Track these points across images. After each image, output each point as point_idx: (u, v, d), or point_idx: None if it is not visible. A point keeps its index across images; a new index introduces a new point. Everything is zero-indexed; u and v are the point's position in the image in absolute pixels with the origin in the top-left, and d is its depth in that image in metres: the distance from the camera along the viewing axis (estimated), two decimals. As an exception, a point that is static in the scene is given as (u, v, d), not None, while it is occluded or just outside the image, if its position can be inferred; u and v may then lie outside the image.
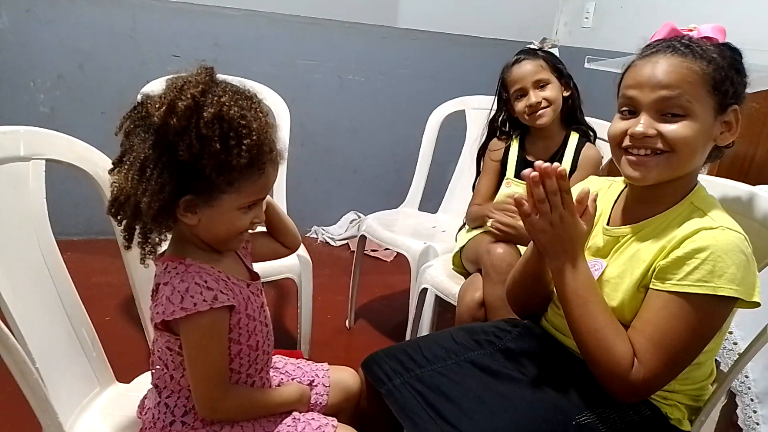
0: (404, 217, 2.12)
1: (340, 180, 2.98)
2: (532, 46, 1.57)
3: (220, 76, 0.79)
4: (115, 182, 0.76)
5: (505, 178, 1.61)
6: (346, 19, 2.71)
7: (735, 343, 1.22)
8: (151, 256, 0.81)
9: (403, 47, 2.85)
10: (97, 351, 1.03)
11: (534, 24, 3.00)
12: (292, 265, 1.62)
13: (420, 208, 2.20)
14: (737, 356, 1.17)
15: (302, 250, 1.69)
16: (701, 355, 0.87)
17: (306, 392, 0.93)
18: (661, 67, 0.84)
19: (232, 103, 0.73)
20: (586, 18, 2.87)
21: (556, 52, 1.58)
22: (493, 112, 1.66)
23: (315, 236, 2.93)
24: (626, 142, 0.87)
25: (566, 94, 1.56)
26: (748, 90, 0.89)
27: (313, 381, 1.00)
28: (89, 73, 2.44)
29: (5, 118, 2.33)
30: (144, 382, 1.08)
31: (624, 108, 0.89)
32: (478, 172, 1.72)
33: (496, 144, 1.65)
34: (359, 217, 2.99)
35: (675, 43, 0.86)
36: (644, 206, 0.92)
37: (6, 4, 2.26)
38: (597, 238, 0.97)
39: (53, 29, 2.34)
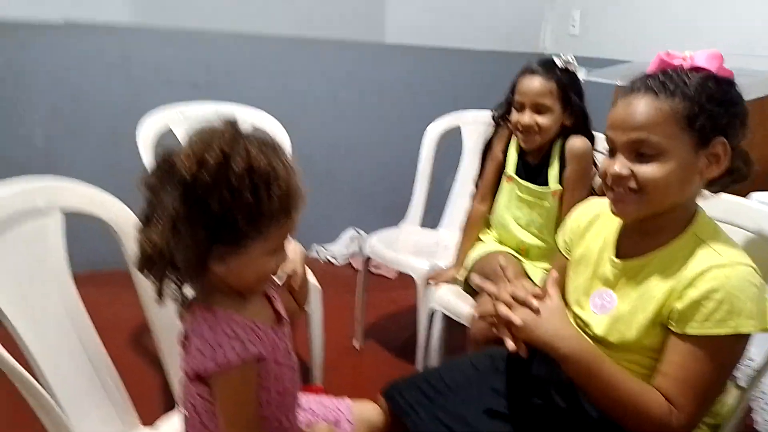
0: (406, 234, 2.14)
1: (339, 198, 2.99)
2: (556, 60, 1.50)
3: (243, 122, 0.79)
4: (143, 240, 0.76)
5: (505, 172, 1.62)
6: (335, 37, 2.73)
7: (751, 360, 1.25)
8: (186, 308, 0.82)
9: (393, 63, 2.88)
10: (121, 395, 1.04)
11: (520, 32, 3.04)
12: (302, 292, 1.63)
13: (421, 224, 2.22)
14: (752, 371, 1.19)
15: (311, 277, 1.70)
16: None
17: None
18: (633, 109, 0.86)
19: (259, 154, 0.74)
20: (573, 25, 2.91)
21: (582, 74, 1.53)
22: (498, 105, 1.65)
23: (317, 256, 2.94)
24: (608, 180, 0.90)
25: (567, 123, 1.52)
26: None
27: (337, 418, 1.01)
28: (83, 104, 2.43)
29: (2, 152, 2.32)
30: (166, 426, 1.08)
31: (608, 148, 0.92)
32: (482, 169, 1.71)
33: (502, 133, 1.65)
34: (359, 233, 3.00)
35: (651, 81, 0.87)
36: (647, 237, 0.93)
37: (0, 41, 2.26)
38: (605, 268, 0.98)
39: (46, 63, 2.34)
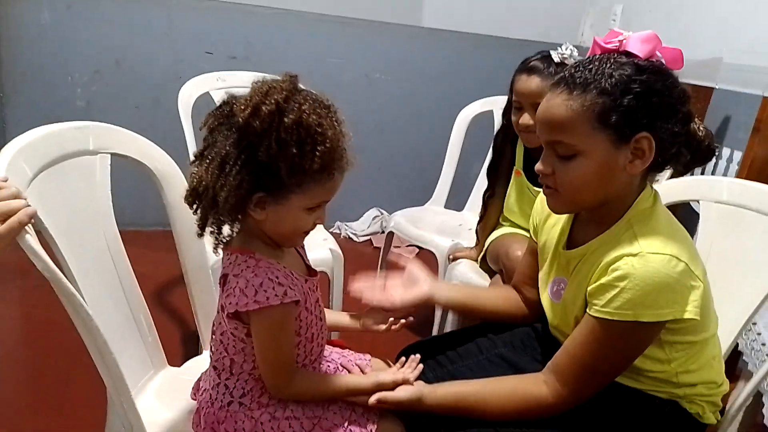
0: (431, 214, 2.17)
1: (364, 177, 2.99)
2: (553, 56, 1.43)
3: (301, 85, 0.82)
4: (194, 174, 0.80)
5: (514, 168, 1.61)
6: (374, 18, 2.75)
7: (763, 344, 1.25)
8: (221, 246, 0.86)
9: (429, 47, 2.89)
10: (152, 336, 1.09)
11: (560, 25, 3.02)
12: (326, 258, 1.68)
13: (445, 206, 2.25)
14: (766, 357, 1.20)
15: (334, 244, 1.75)
16: (703, 357, 0.91)
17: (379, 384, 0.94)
18: (548, 108, 0.84)
19: (311, 111, 0.78)
20: (613, 20, 2.88)
21: None
22: (507, 103, 1.60)
23: (338, 231, 2.99)
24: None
25: None
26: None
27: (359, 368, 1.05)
28: (125, 68, 2.51)
29: (45, 111, 2.41)
30: (194, 366, 1.14)
31: None
32: (493, 159, 1.69)
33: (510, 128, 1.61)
34: (382, 213, 3.04)
35: (568, 75, 0.84)
36: (590, 227, 0.93)
37: (48, 1, 2.33)
38: (560, 257, 0.99)
39: (92, 26, 2.41)
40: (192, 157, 0.82)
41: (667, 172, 1.64)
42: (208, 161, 0.78)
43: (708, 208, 1.18)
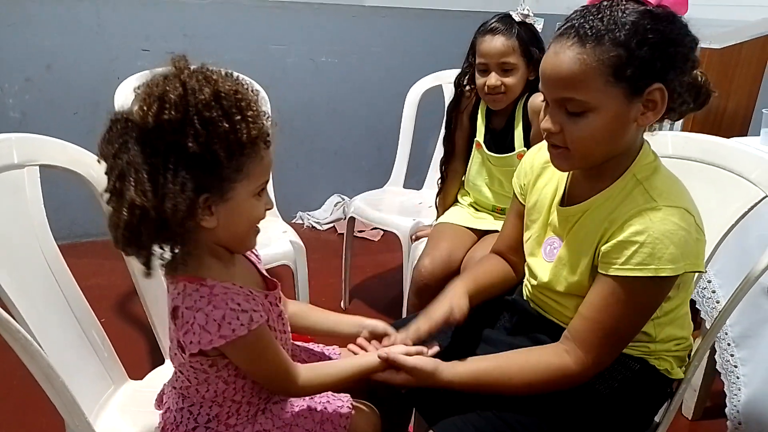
0: (390, 195, 2.15)
1: (321, 163, 2.98)
2: (514, 15, 1.44)
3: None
4: (121, 209, 0.68)
5: (475, 139, 1.60)
6: (314, 1, 2.69)
7: (713, 291, 1.28)
8: (170, 278, 0.78)
9: (373, 25, 2.84)
10: (108, 351, 1.05)
11: (501, -6, 3.01)
12: (287, 251, 1.64)
13: (404, 186, 2.23)
14: (716, 305, 1.24)
15: (294, 236, 1.71)
16: (677, 316, 0.92)
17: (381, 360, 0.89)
18: (558, 62, 0.79)
19: (221, 79, 0.70)
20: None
21: (540, 25, 1.48)
22: (461, 71, 1.59)
23: (301, 222, 2.94)
24: (543, 133, 0.88)
25: (531, 77, 1.47)
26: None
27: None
28: (58, 73, 2.38)
29: (-25, 125, 2.28)
30: (156, 378, 1.10)
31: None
32: (447, 131, 1.66)
33: (467, 99, 1.61)
34: (343, 199, 3.01)
35: (578, 25, 0.79)
36: (591, 182, 0.90)
37: (-35, 9, 2.19)
38: (554, 216, 0.97)
39: (16, 30, 2.28)
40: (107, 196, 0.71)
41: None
42: (133, 185, 0.67)
43: (657, 163, 1.19)
